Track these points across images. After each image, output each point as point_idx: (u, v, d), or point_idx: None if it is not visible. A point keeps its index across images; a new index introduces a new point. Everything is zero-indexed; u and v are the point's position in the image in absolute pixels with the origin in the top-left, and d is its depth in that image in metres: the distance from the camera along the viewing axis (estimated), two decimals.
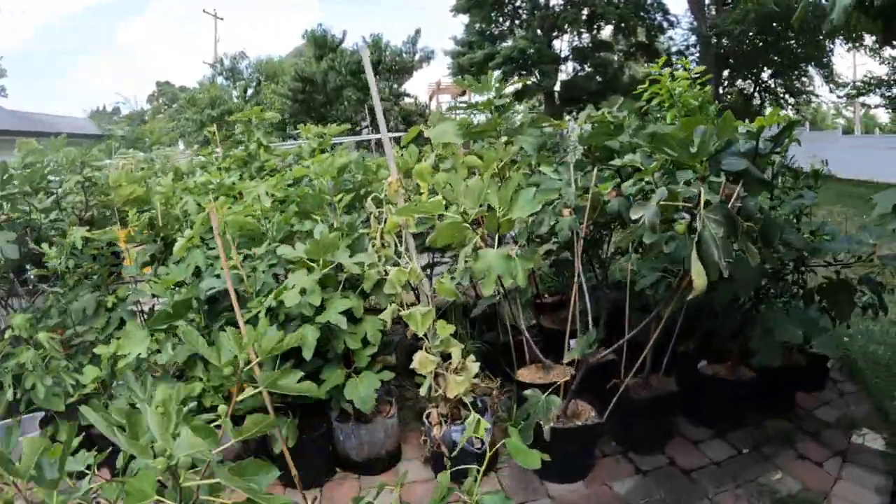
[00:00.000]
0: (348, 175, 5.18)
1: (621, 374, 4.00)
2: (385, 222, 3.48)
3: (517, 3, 34.37)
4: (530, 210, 2.68)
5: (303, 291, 3.39)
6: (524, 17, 34.41)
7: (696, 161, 2.43)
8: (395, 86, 25.91)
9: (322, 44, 25.21)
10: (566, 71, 35.66)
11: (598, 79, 33.27)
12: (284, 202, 4.42)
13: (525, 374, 4.25)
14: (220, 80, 27.72)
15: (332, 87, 23.58)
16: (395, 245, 3.52)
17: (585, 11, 33.03)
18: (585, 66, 34.67)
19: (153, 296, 4.68)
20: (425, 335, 3.42)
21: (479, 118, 4.43)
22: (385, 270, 3.51)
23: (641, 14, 33.44)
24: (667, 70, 4.38)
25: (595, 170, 3.48)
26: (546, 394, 3.45)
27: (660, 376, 4.13)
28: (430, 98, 31.03)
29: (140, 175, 6.81)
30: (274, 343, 1.90)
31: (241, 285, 4.16)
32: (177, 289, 5.07)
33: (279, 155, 6.76)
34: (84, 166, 5.63)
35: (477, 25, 33.56)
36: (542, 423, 3.24)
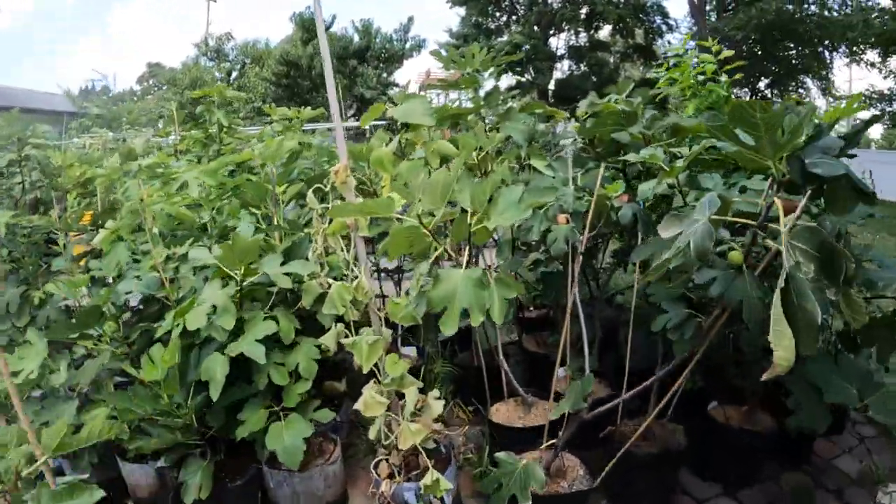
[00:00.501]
0: (307, 162, 4.43)
1: (618, 417, 3.28)
2: (330, 222, 2.73)
3: None
4: (515, 216, 1.92)
5: (215, 310, 2.64)
6: (521, 12, 33.75)
7: (772, 157, 1.69)
8: (385, 75, 25.16)
9: (309, 27, 24.40)
10: (561, 69, 35.03)
11: (594, 79, 32.61)
12: (224, 191, 3.67)
13: (501, 412, 3.50)
14: (204, 61, 26.94)
15: (317, 72, 22.77)
16: (343, 250, 2.77)
17: (584, 10, 32.36)
18: (581, 65, 34.03)
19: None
20: (374, 369, 2.68)
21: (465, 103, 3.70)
22: (328, 283, 2.77)
23: (640, 16, 32.86)
24: (691, 50, 3.65)
25: (602, 167, 2.75)
26: (523, 461, 2.70)
27: (664, 423, 3.40)
28: (420, 89, 29.87)
29: (96, 156, 6.18)
30: (61, 436, 1.16)
31: (163, 291, 3.42)
32: (93, 289, 4.37)
33: (242, 139, 6.04)
34: (23, 143, 5.08)
35: (473, 19, 32.90)
36: (517, 496, 2.50)
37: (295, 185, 3.53)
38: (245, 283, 2.75)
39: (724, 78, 3.74)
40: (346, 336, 2.79)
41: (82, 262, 4.58)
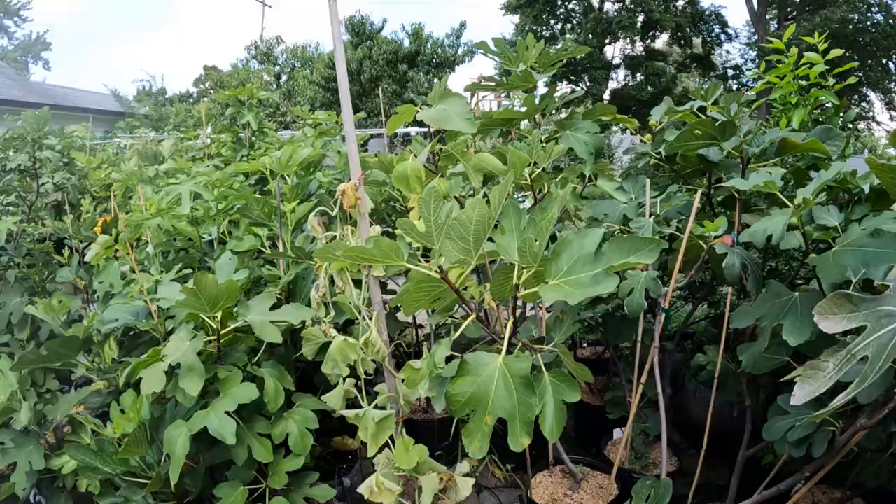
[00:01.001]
0: (334, 174, 3.85)
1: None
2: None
3: (570, 5, 32.97)
4: (590, 286, 1.25)
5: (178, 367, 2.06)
6: (577, 20, 32.97)
7: None
8: (436, 80, 23.93)
9: (359, 31, 23.97)
10: (617, 79, 34.09)
11: (650, 89, 31.59)
12: (227, 206, 3.11)
13: (544, 486, 2.84)
14: (254, 64, 26.79)
15: (366, 77, 22.28)
16: (352, 291, 2.16)
17: (641, 18, 31.44)
18: (637, 74, 33.03)
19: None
20: (386, 446, 2.07)
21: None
22: (332, 332, 2.17)
23: (698, 24, 31.78)
24: (793, 51, 2.95)
25: (697, 197, 2.10)
26: None
27: None
28: (472, 96, 29.00)
29: (124, 157, 5.78)
30: None
31: (149, 323, 2.87)
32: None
33: (274, 144, 5.55)
34: (36, 143, 4.70)
35: (527, 27, 32.20)
36: None
37: (309, 202, 2.95)
38: (225, 331, 2.17)
39: (831, 82, 3.05)
40: (355, 396, 2.19)
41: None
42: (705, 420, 2.46)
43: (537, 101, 2.63)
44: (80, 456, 2.57)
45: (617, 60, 33.46)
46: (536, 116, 2.86)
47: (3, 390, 3.00)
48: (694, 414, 3.48)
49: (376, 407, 2.06)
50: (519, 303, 1.77)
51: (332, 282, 2.28)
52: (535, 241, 1.37)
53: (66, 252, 4.36)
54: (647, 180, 2.36)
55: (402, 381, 1.97)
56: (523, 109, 2.79)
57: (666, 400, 2.34)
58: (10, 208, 4.91)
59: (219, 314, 2.07)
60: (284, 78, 26.29)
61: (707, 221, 2.04)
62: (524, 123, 3.01)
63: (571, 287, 1.30)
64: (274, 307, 2.18)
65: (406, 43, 23.85)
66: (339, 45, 2.20)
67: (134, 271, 3.52)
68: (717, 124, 2.30)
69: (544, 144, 2.34)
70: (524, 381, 1.29)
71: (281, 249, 2.74)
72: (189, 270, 2.80)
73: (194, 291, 1.94)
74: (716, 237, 2.05)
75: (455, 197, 2.72)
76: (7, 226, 4.30)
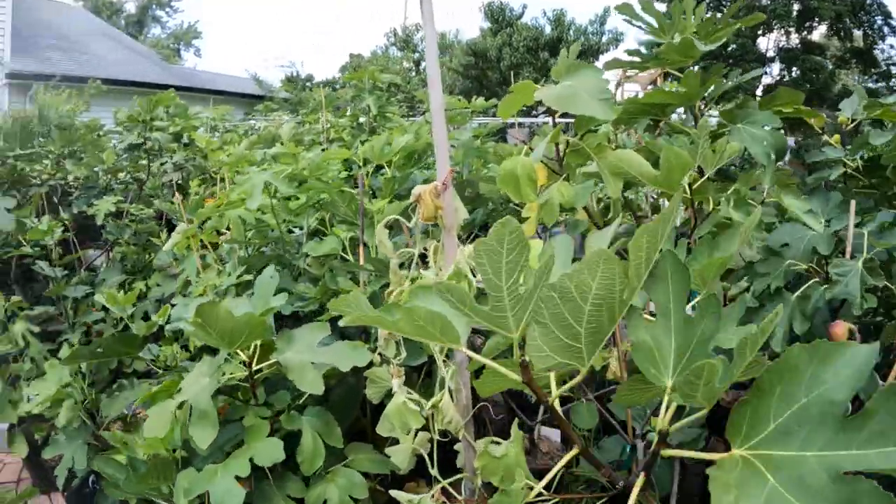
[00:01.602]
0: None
1: None
2: (409, 281, 1.60)
3: None
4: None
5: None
6: (727, 7, 30.97)
7: None
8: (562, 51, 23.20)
9: (498, 17, 23.35)
10: (770, 73, 31.77)
11: (807, 85, 29.18)
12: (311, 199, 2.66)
13: None
14: (393, 51, 26.72)
15: (506, 64, 21.60)
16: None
17: (797, 6, 29.10)
18: (793, 69, 30.64)
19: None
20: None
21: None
22: (400, 378, 1.63)
23: (859, 15, 28.97)
24: None
25: None
26: None
27: None
28: (617, 86, 27.66)
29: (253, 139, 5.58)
30: None
31: None
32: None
33: (396, 128, 5.14)
34: (147, 124, 4.54)
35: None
36: None
37: (405, 202, 2.43)
38: (259, 367, 1.68)
39: None
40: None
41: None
42: None
43: (700, 82, 1.98)
44: (106, 469, 2.19)
45: (771, 53, 31.19)
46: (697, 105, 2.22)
47: (53, 383, 2.69)
48: None
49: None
50: None
51: None
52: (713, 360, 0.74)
53: (163, 234, 4.11)
54: (853, 203, 1.67)
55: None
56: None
57: None
58: (118, 187, 4.78)
59: (249, 347, 1.60)
60: (423, 65, 26.07)
61: None
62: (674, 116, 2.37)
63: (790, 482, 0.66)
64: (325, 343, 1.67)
65: (547, 30, 23.04)
66: (430, 21, 1.66)
67: (213, 264, 3.16)
68: None
69: (707, 144, 1.71)
70: None
71: (362, 258, 2.23)
72: (249, 277, 2.34)
73: (201, 325, 1.46)
74: None
75: (585, 210, 2.11)
76: (107, 206, 4.09)
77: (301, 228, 3.00)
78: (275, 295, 1.74)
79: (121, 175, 4.77)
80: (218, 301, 1.44)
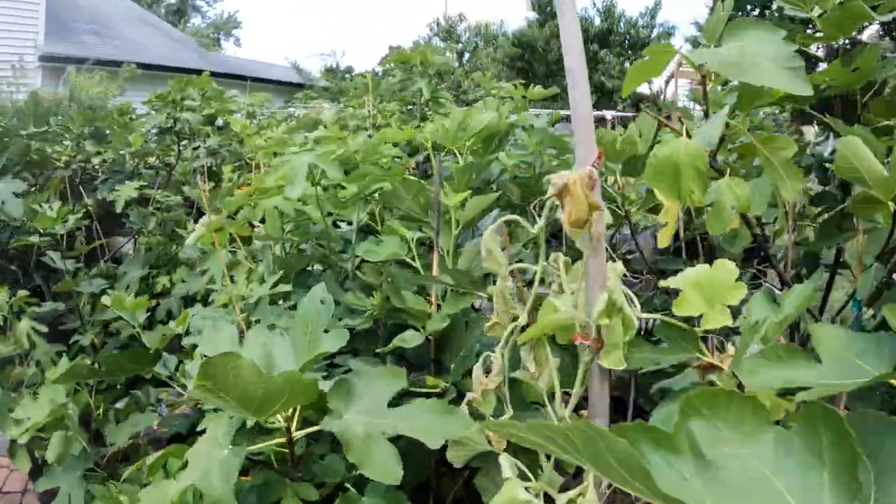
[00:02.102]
0: (520, 154, 2.78)
1: None
2: (526, 317, 1.09)
3: None
4: None
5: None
6: (776, 5, 30.04)
7: None
8: (627, 63, 22.72)
9: (545, 8, 22.69)
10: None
11: None
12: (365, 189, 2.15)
13: None
14: (436, 41, 26.27)
15: (553, 56, 20.97)
16: (552, 377, 1.12)
17: None
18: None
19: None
20: None
21: None
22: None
23: None
24: None
25: None
26: None
27: None
28: (667, 82, 26.77)
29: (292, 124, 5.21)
30: None
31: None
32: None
33: (445, 115, 4.67)
34: (177, 104, 4.15)
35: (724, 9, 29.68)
36: None
37: (487, 194, 1.91)
38: (301, 433, 1.18)
39: None
40: None
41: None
42: None
43: None
44: None
45: (820, 52, 30.23)
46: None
47: (42, 406, 2.22)
48: None
49: None
50: None
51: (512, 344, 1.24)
52: None
53: (189, 224, 3.62)
54: None
55: None
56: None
57: None
58: (147, 172, 4.37)
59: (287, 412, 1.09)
60: (467, 56, 25.62)
61: None
62: None
63: None
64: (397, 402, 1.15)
65: (597, 21, 22.44)
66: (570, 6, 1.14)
67: (244, 261, 2.69)
68: None
69: None
70: None
71: (436, 267, 1.72)
72: (287, 288, 1.84)
73: (211, 389, 0.96)
74: None
75: (744, 219, 1.56)
76: (128, 191, 3.64)
77: (348, 223, 2.51)
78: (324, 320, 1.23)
79: (150, 159, 4.39)
80: (237, 357, 0.93)
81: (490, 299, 1.70)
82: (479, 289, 1.58)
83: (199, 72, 4.36)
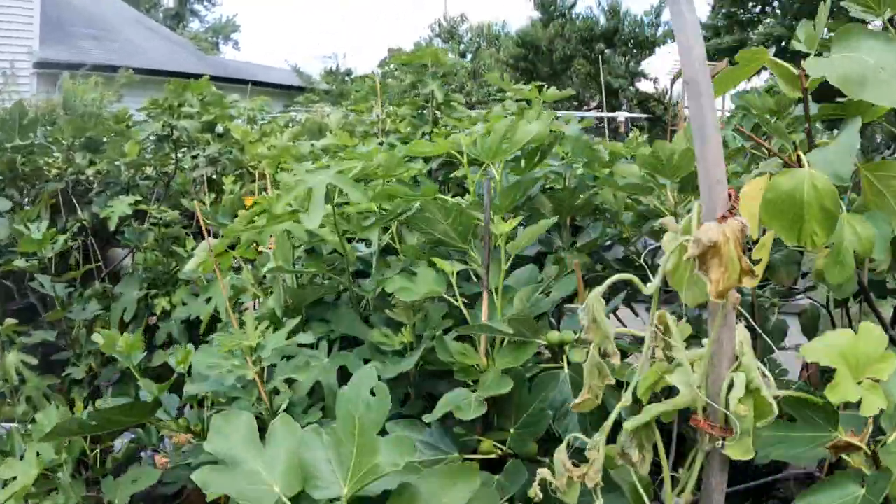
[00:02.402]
0: (554, 164, 2.51)
1: None
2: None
3: None
4: None
5: None
6: (778, 2, 29.72)
7: None
8: (633, 63, 22.28)
9: (548, 7, 22.50)
10: None
11: None
12: (393, 211, 1.88)
13: None
14: (437, 42, 25.97)
15: (558, 56, 20.64)
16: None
17: None
18: None
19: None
20: None
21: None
22: None
23: None
24: None
25: None
26: None
27: None
28: (673, 81, 26.31)
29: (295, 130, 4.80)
30: None
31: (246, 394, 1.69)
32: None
33: (463, 121, 4.46)
34: (174, 111, 3.90)
35: (723, 9, 29.39)
36: None
37: (540, 222, 1.63)
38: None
39: None
40: None
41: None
42: None
43: None
44: None
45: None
46: None
47: (29, 465, 1.95)
48: None
49: None
50: None
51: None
52: None
53: (189, 241, 3.38)
54: None
55: None
56: None
57: None
58: (145, 183, 4.12)
59: None
60: (469, 57, 25.36)
61: None
62: None
63: None
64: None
65: (602, 20, 22.17)
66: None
67: (251, 287, 2.43)
68: None
69: None
70: None
71: (486, 310, 1.45)
72: (309, 339, 1.57)
73: None
74: None
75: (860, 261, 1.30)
76: (122, 207, 3.36)
77: (363, 242, 2.24)
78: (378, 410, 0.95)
79: (147, 170, 4.12)
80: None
81: (549, 348, 1.45)
82: (539, 337, 1.32)
83: (198, 76, 4.12)
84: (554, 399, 1.31)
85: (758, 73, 1.61)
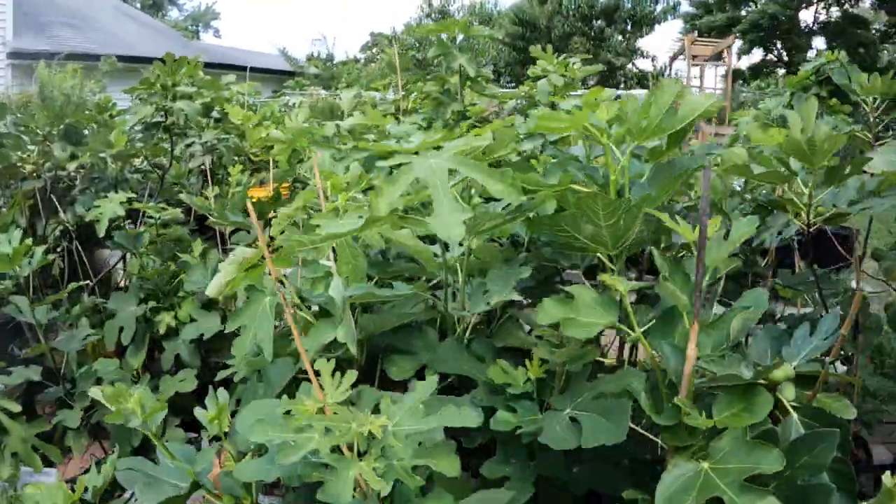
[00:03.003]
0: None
1: None
2: None
3: None
4: None
5: None
6: None
7: None
8: (633, 40, 21.67)
9: None
10: (813, 47, 30.43)
11: (855, 59, 27.76)
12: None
13: None
14: (427, 22, 25.57)
15: (557, 34, 20.09)
16: None
17: None
18: (834, 44, 29.33)
19: None
20: None
21: None
22: None
23: None
24: None
25: None
26: None
27: None
28: (672, 60, 25.79)
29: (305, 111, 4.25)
30: None
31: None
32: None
33: (494, 98, 4.15)
34: (168, 91, 3.48)
35: None
36: None
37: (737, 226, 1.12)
38: None
39: None
40: None
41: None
42: None
43: None
44: None
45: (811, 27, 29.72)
46: None
47: None
48: None
49: None
50: None
51: None
52: None
53: (196, 245, 2.96)
54: None
55: None
56: None
57: None
58: (134, 177, 3.64)
59: None
60: (461, 37, 24.89)
61: None
62: None
63: None
64: None
65: None
66: None
67: (289, 312, 1.88)
68: None
69: None
70: None
71: (692, 346, 0.93)
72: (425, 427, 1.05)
73: None
74: None
75: None
76: (112, 208, 2.99)
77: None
78: None
79: (136, 161, 3.82)
80: None
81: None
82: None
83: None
84: None
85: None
